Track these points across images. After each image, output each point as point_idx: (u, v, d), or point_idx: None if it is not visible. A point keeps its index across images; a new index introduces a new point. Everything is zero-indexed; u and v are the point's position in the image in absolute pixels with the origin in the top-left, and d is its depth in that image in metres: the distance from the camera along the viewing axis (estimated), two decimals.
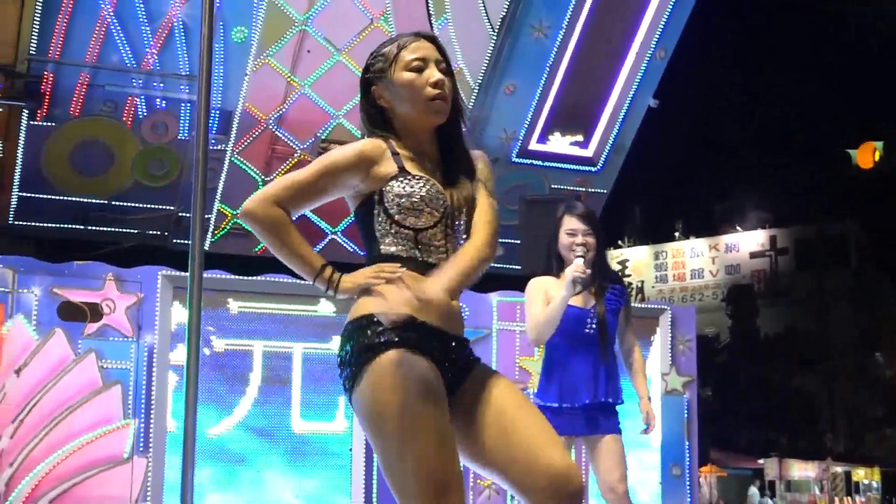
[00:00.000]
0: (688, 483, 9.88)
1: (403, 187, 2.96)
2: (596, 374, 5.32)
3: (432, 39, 3.15)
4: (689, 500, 9.84)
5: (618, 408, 5.41)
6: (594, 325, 5.33)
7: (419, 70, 3.06)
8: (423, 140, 3.12)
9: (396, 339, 2.82)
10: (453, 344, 2.96)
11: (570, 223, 5.37)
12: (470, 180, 3.10)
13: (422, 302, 2.72)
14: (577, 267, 5.18)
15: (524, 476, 2.82)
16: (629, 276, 41.59)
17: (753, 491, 32.61)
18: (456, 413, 2.90)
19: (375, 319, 2.87)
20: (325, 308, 8.88)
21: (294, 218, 3.02)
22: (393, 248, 2.97)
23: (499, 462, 2.87)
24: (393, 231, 2.98)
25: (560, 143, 11.85)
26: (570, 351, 5.35)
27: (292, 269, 3.02)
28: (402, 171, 2.99)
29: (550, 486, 2.78)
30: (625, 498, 5.24)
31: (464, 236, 3.06)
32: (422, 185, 2.98)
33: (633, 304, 6.30)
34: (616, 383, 5.41)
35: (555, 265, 5.43)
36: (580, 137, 11.90)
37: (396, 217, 2.97)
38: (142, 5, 10.02)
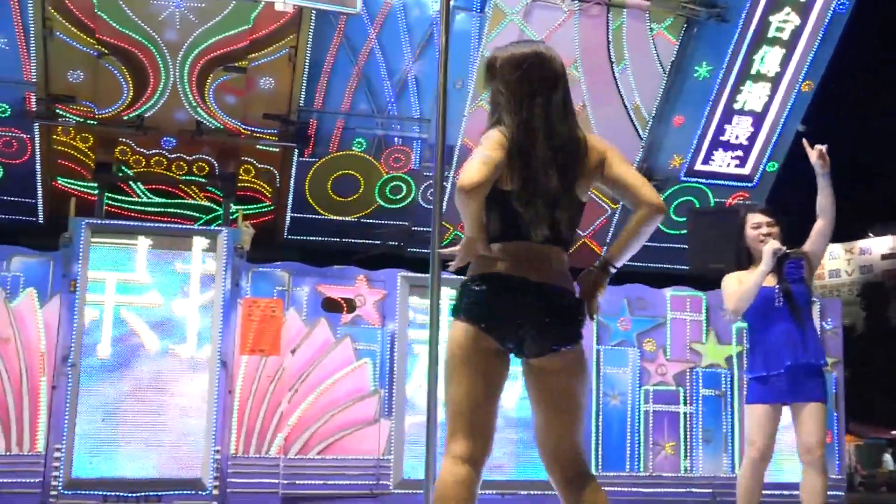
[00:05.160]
0: (836, 447, 9.34)
1: None
2: (792, 339, 4.87)
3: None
4: (836, 461, 9.31)
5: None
6: (782, 299, 4.93)
7: None
8: None
9: None
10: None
11: (755, 218, 5.05)
12: None
13: None
14: (773, 243, 4.89)
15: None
16: None
17: (887, 457, 30.88)
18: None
19: None
20: None
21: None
22: None
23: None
24: None
25: (721, 164, 11.40)
26: (766, 325, 4.96)
27: None
28: None
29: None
30: (819, 461, 4.76)
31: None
32: None
33: None
34: (816, 345, 4.93)
35: (744, 259, 5.08)
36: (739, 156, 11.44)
37: None
38: (382, 64, 10.15)
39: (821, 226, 4.97)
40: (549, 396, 2.93)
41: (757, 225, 5.03)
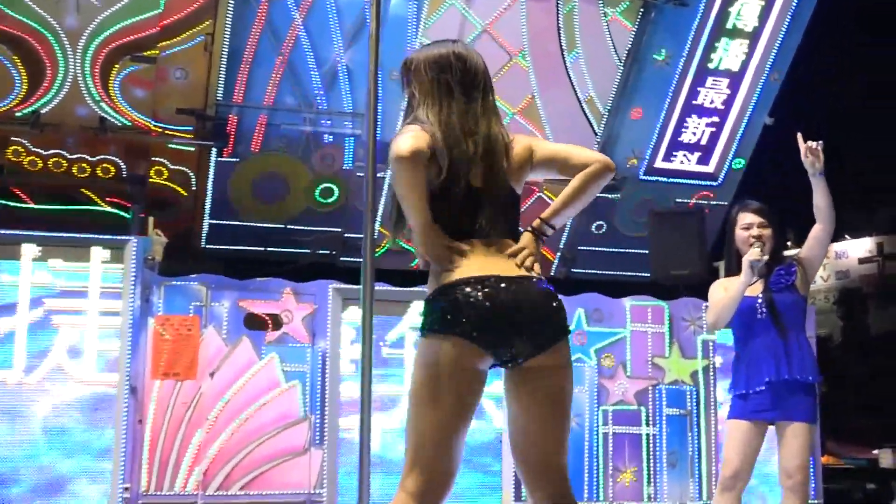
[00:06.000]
0: (813, 468, 9.49)
1: None
2: (775, 353, 4.81)
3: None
4: (812, 482, 9.46)
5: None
6: (765, 310, 4.89)
7: None
8: None
9: None
10: None
11: (745, 218, 5.00)
12: None
13: None
14: (752, 253, 4.84)
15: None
16: None
17: None
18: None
19: None
20: None
21: None
22: None
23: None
24: None
25: (684, 161, 11.57)
26: (749, 338, 4.93)
27: None
28: None
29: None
30: (800, 487, 4.73)
31: None
32: None
33: None
34: (804, 360, 4.84)
35: (734, 264, 5.02)
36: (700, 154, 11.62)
37: None
38: (310, 53, 10.15)
39: (817, 230, 4.94)
40: (540, 399, 2.87)
41: (747, 226, 4.97)
